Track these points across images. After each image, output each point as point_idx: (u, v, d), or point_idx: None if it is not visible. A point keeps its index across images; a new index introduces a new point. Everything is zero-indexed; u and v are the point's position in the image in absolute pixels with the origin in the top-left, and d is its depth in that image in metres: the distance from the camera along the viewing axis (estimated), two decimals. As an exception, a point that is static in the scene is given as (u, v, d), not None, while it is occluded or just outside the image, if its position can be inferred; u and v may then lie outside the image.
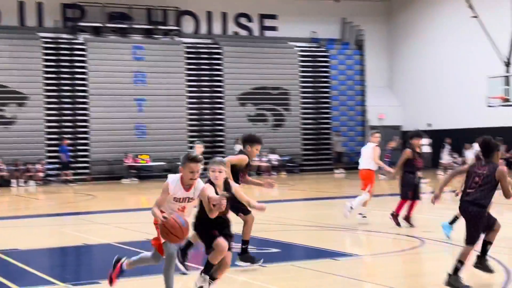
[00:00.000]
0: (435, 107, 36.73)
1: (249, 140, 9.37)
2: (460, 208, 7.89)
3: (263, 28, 37.95)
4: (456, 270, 7.64)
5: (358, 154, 43.25)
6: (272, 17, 37.97)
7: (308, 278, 8.64)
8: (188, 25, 36.40)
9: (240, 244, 9.04)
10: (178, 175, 6.95)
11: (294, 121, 36.56)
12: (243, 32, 37.58)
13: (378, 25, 39.83)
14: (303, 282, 8.40)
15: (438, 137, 33.99)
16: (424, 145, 32.31)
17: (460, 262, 7.64)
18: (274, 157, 34.52)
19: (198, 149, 14.95)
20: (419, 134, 13.51)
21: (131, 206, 20.33)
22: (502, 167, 7.81)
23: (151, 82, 33.59)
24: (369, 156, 14.00)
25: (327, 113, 37.68)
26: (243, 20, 37.56)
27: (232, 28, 37.34)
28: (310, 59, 37.70)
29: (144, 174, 32.32)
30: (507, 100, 30.30)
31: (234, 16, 37.30)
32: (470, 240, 7.74)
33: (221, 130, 34.98)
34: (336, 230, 13.41)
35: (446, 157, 31.56)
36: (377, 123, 38.27)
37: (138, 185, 29.54)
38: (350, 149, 37.81)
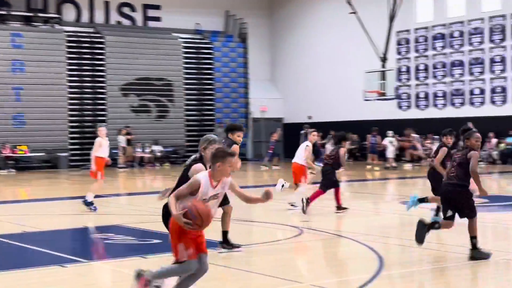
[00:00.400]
0: (315, 100, 37.72)
1: (230, 129, 9.96)
2: (442, 191, 8.97)
3: (147, 18, 37.67)
4: (474, 244, 8.65)
5: (241, 145, 43.82)
6: (156, 7, 37.73)
7: (188, 268, 8.70)
8: (69, 13, 35.60)
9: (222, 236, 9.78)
10: (206, 173, 6.50)
11: (177, 113, 36.56)
12: (126, 22, 37.17)
13: (261, 18, 40.42)
14: (183, 272, 8.47)
15: (318, 129, 34.88)
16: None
17: (474, 237, 8.64)
18: (157, 148, 34.42)
19: (102, 131, 14.94)
20: (346, 137, 14.74)
21: (8, 198, 19.77)
22: (476, 152, 8.85)
23: (30, 71, 32.64)
24: (302, 152, 14.77)
25: (210, 104, 37.93)
26: (126, 10, 37.12)
27: (114, 17, 36.84)
28: (194, 50, 37.79)
29: (22, 165, 31.43)
30: (382, 94, 31.63)
31: (117, 5, 36.79)
32: (471, 214, 8.74)
33: (103, 121, 34.40)
34: (219, 221, 13.52)
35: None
36: (259, 115, 38.93)
37: (16, 176, 28.68)
38: (233, 141, 38.26)
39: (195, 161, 7.01)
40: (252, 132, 38.93)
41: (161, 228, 11.92)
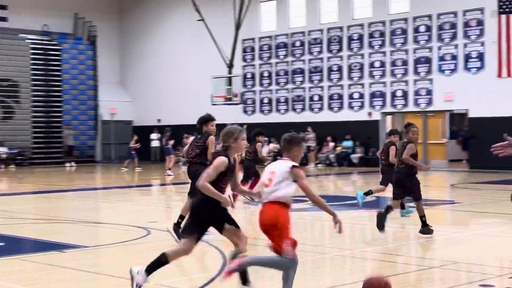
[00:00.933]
0: (165, 103, 38.29)
1: (202, 121, 10.99)
2: (394, 178, 10.95)
3: (-8, 18, 36.80)
4: (424, 222, 10.54)
5: (90, 147, 43.80)
6: (2, 7, 36.85)
7: (35, 271, 8.63)
8: None
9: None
10: (289, 161, 6.44)
11: (24, 114, 35.95)
12: (-29, 21, 36.14)
13: (111, 22, 40.46)
14: (29, 275, 8.39)
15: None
16: (154, 140, 33.76)
17: (423, 216, 10.59)
18: (2, 150, 33.73)
19: None
20: (263, 132, 16.21)
21: None
22: (411, 144, 10.72)
23: None
24: None
25: (58, 106, 37.56)
26: (-30, 9, 36.11)
27: (-42, 16, 35.71)
28: (41, 52, 37.30)
29: None
30: (229, 99, 32.78)
31: (-39, 3, 35.71)
32: (417, 197, 10.71)
33: None
34: (66, 223, 13.63)
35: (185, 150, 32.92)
36: (109, 118, 39.00)
37: None
38: (82, 143, 38.13)
39: (219, 153, 6.75)
40: (101, 134, 38.93)
41: (5, 230, 12.11)
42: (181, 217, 10.68)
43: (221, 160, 6.57)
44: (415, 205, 10.88)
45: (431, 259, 9.49)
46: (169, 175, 26.72)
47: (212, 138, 10.82)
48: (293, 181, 6.30)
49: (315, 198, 6.40)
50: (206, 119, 11.05)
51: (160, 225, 12.47)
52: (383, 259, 9.51)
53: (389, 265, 9.10)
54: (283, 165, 6.38)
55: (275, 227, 6.26)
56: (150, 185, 24.65)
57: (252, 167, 15.95)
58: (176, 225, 10.65)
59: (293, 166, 6.31)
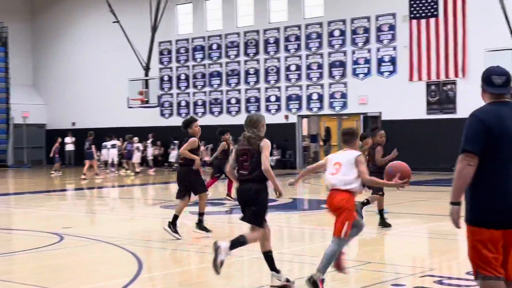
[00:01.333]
0: (79, 106, 37.68)
1: (186, 125, 10.98)
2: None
3: None
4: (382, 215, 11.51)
5: (2, 152, 42.65)
6: None
7: None
8: None
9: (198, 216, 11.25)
10: (352, 150, 7.24)
11: None
12: None
13: (23, 23, 39.55)
14: None
15: (82, 135, 34.98)
16: (68, 143, 33.16)
17: (381, 210, 11.50)
18: None
19: None
20: (228, 130, 16.84)
21: None
22: (379, 147, 11.57)
23: None
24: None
25: (-32, 109, 36.50)
26: None
27: None
28: (-51, 53, 36.15)
29: None
30: (146, 102, 32.51)
31: None
32: (381, 191, 11.42)
33: None
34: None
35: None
36: (21, 121, 38.08)
37: None
38: (-6, 147, 37.13)
39: (255, 138, 7.52)
40: (12, 138, 37.94)
41: None
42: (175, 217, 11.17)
43: (268, 142, 7.45)
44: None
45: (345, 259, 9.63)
46: (84, 179, 26.28)
47: (192, 139, 10.97)
48: (355, 167, 7.05)
49: (372, 181, 7.44)
50: (189, 121, 11.21)
51: (75, 231, 12.29)
52: (299, 261, 9.62)
53: (304, 266, 9.23)
54: (350, 154, 7.11)
55: (342, 210, 6.98)
56: (65, 190, 24.16)
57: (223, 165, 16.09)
58: (172, 223, 11.13)
59: (358, 155, 7.12)
